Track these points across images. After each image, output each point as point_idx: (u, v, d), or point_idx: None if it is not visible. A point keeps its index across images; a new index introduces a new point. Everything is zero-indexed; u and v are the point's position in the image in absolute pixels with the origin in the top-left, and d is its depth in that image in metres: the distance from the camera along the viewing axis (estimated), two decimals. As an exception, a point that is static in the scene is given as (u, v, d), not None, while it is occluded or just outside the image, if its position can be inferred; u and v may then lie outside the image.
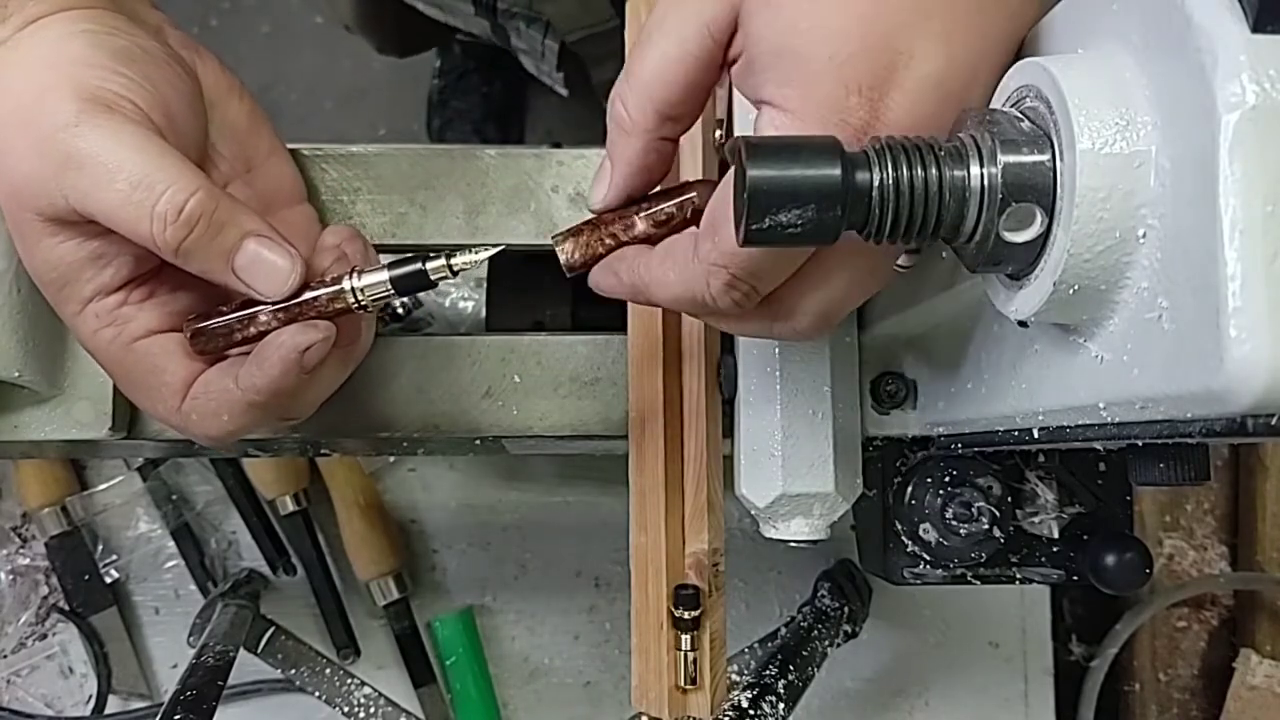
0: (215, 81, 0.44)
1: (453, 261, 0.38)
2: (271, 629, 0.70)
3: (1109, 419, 0.29)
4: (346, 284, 0.39)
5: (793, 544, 0.46)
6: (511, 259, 0.59)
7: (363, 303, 0.39)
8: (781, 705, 0.61)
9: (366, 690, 0.69)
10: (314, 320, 0.39)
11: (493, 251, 0.39)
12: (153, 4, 0.44)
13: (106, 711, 0.76)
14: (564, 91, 0.96)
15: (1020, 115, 0.29)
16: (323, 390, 0.43)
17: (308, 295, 0.39)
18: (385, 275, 0.39)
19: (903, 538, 0.49)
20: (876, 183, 0.28)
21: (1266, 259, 0.22)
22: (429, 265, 0.38)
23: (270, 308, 0.39)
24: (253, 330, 0.39)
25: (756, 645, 0.70)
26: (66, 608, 0.77)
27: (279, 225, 0.44)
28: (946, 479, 0.48)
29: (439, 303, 0.79)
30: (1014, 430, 0.37)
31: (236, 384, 0.39)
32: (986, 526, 0.48)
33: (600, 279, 0.38)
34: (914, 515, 0.49)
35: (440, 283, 0.39)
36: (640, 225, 0.37)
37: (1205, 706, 0.78)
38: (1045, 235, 0.28)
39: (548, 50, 0.89)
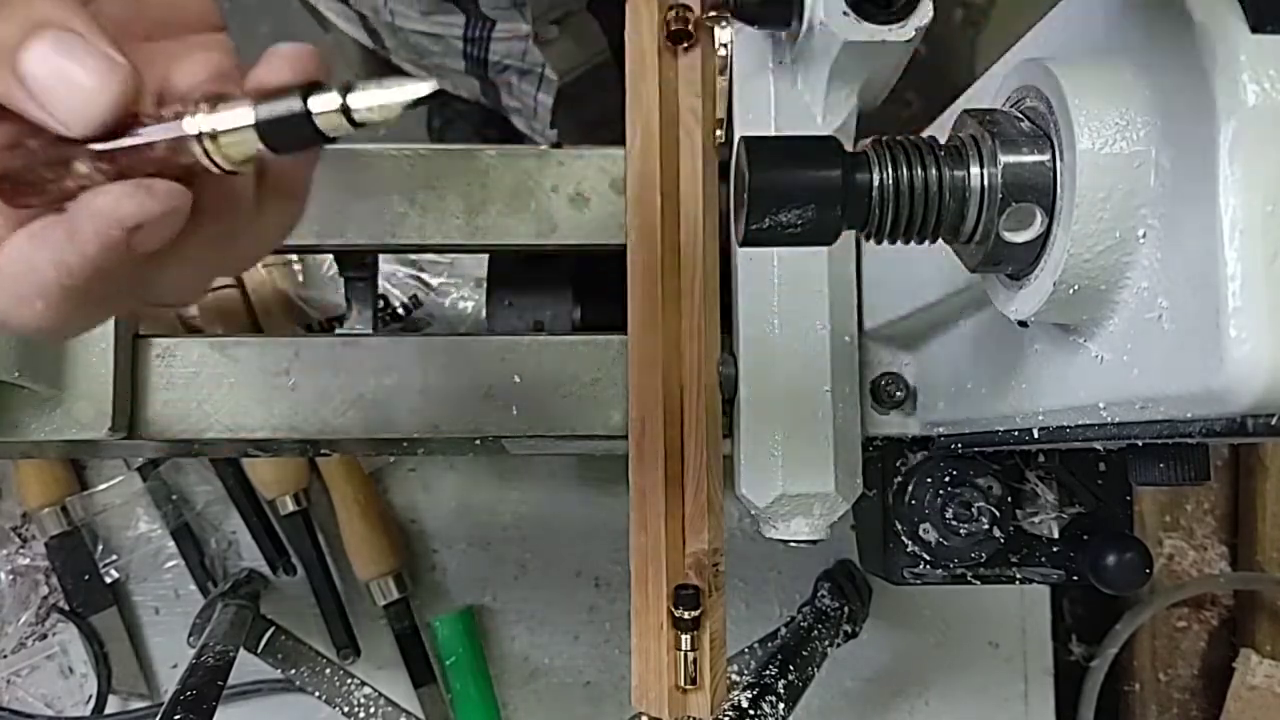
0: None
1: (351, 99, 0.25)
2: (271, 629, 0.70)
3: (1109, 419, 0.29)
4: (189, 123, 0.25)
5: (793, 544, 0.46)
6: (512, 259, 0.59)
7: (215, 157, 0.26)
8: (781, 705, 0.61)
9: (366, 690, 0.69)
10: (150, 180, 0.26)
11: (413, 94, 0.25)
12: None
13: (106, 711, 0.76)
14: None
15: (1020, 115, 0.29)
16: (195, 273, 0.30)
17: (133, 139, 0.26)
18: (250, 112, 0.25)
19: (903, 538, 0.49)
20: (876, 183, 0.28)
21: (1266, 259, 0.22)
22: (313, 103, 0.25)
23: (88, 152, 0.26)
24: (70, 183, 0.27)
25: (756, 645, 0.70)
26: (66, 608, 0.77)
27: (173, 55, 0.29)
28: (946, 479, 0.48)
29: (439, 303, 0.79)
30: (1014, 430, 0.37)
31: (48, 257, 0.27)
32: (986, 526, 0.48)
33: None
34: (914, 515, 0.49)
35: (335, 137, 0.26)
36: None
37: (1205, 706, 0.78)
38: (1045, 235, 0.28)
39: (540, 106, 0.89)
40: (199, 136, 0.25)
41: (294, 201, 0.30)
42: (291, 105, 0.25)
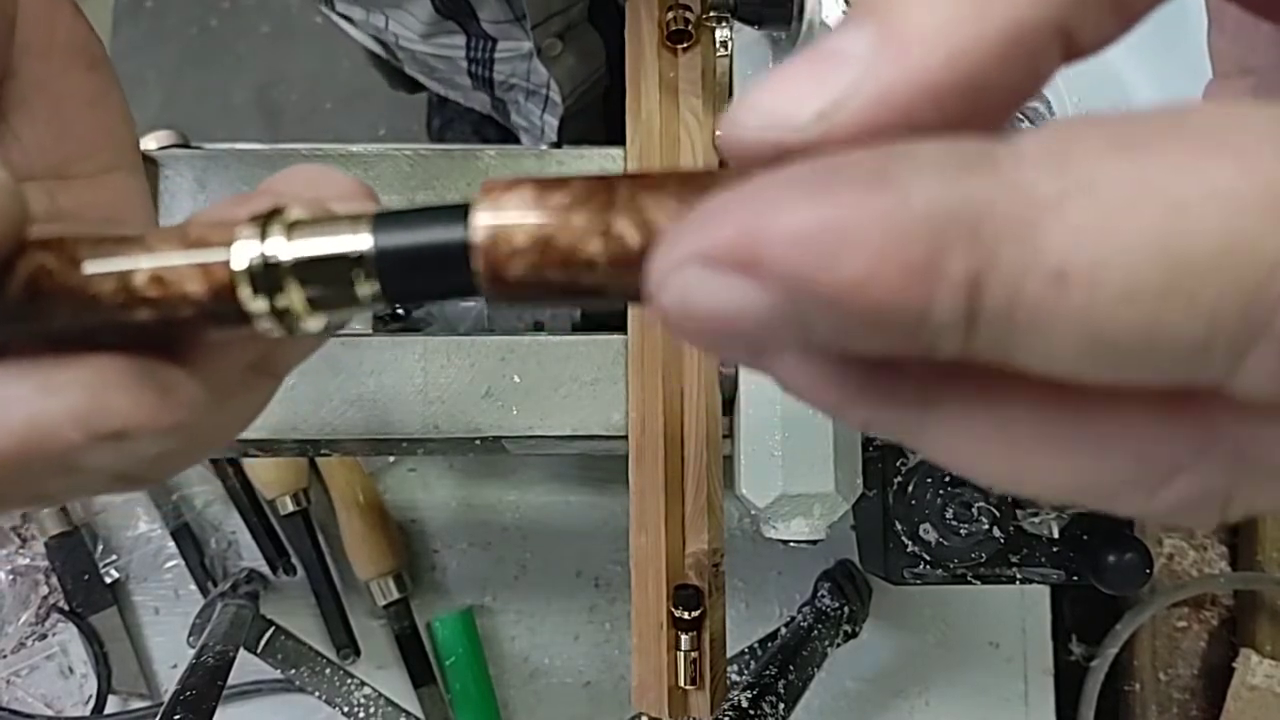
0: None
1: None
2: (271, 629, 0.70)
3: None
4: (242, 249, 0.16)
5: (793, 544, 0.46)
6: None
7: (292, 305, 0.16)
8: (781, 705, 0.61)
9: (366, 690, 0.69)
10: (138, 364, 0.17)
11: None
12: None
13: (106, 711, 0.76)
14: None
15: (1019, 116, 0.29)
16: (111, 473, 0.19)
17: (119, 259, 0.16)
18: (364, 238, 0.16)
19: (903, 538, 0.49)
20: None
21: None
22: (481, 219, 0.15)
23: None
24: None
25: (756, 645, 0.70)
26: (66, 608, 0.77)
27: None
28: (946, 479, 0.48)
29: (439, 303, 0.79)
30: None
31: None
32: (986, 526, 0.48)
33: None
34: (914, 515, 0.49)
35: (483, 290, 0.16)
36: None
37: (1205, 706, 0.78)
38: (1045, 235, 0.28)
39: (546, 127, 0.89)
40: (265, 267, 0.16)
41: (276, 382, 0.22)
42: (445, 231, 0.15)
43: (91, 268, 0.16)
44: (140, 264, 0.16)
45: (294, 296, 0.16)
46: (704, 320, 0.13)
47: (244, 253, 0.16)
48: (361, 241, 0.16)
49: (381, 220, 0.16)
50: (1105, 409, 0.14)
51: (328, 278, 0.16)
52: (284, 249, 0.16)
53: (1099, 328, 0.12)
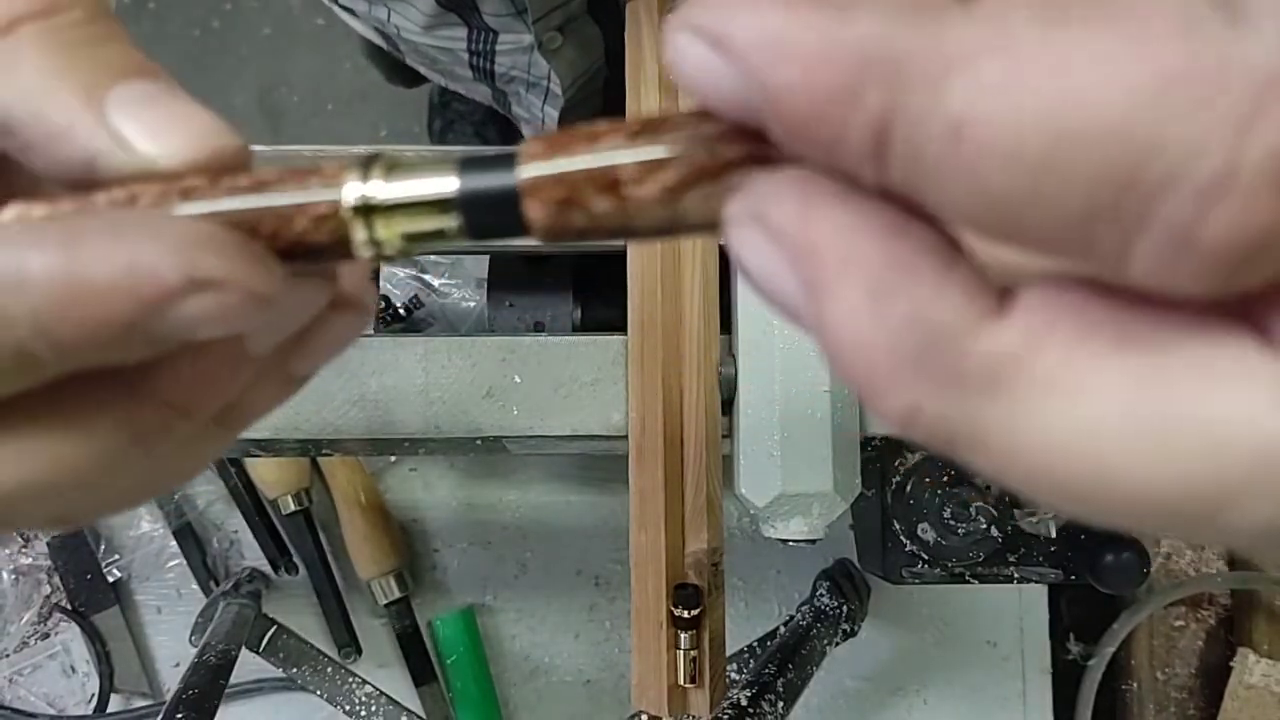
0: None
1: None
2: (273, 628, 0.70)
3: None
4: (353, 190, 0.18)
5: (792, 543, 0.47)
6: (513, 260, 0.59)
7: (382, 237, 0.19)
8: (780, 703, 0.61)
9: (368, 689, 0.69)
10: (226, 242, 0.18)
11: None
12: None
13: (109, 710, 0.76)
14: None
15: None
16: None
17: (269, 197, 0.19)
18: (450, 180, 0.18)
19: (901, 537, 0.50)
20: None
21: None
22: (526, 170, 0.17)
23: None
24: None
25: (756, 644, 0.71)
26: (69, 607, 0.78)
27: None
28: (944, 478, 0.49)
29: (440, 303, 0.79)
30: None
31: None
32: (984, 526, 0.48)
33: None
34: (912, 515, 0.49)
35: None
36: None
37: (1202, 705, 0.78)
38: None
39: (547, 118, 0.89)
40: (367, 204, 0.18)
41: (236, 432, 0.23)
42: (500, 178, 0.17)
43: (216, 204, 0.19)
44: (267, 200, 0.19)
45: (390, 229, 0.19)
46: (689, 77, 0.15)
47: (351, 191, 0.18)
48: (448, 184, 0.18)
49: (467, 165, 0.18)
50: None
51: (418, 215, 0.18)
52: (382, 190, 0.18)
53: (985, 184, 0.12)
